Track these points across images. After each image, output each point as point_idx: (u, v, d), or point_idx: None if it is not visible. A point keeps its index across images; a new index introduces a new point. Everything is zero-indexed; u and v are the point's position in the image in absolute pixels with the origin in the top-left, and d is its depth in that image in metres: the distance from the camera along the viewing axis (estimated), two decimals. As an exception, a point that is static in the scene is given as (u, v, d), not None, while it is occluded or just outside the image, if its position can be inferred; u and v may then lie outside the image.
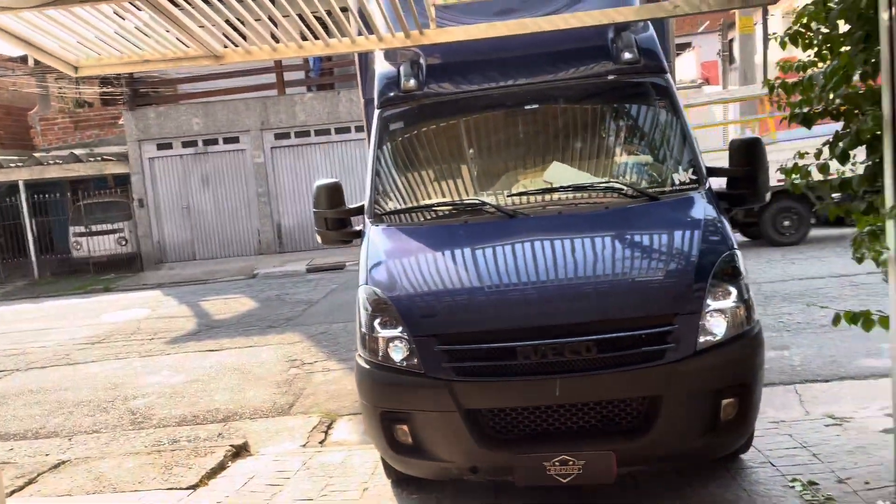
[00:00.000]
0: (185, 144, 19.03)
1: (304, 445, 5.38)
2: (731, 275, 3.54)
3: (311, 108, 18.59)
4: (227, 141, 18.97)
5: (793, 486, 3.80)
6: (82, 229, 18.71)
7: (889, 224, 3.25)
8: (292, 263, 16.91)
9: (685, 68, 24.33)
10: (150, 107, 19.27)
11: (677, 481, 3.99)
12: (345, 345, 8.24)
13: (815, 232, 12.65)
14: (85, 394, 7.29)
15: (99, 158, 19.56)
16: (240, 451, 5.22)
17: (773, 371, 5.88)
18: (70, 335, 10.74)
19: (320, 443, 5.43)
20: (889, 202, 3.22)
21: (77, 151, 19.87)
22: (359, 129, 17.54)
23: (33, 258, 19.21)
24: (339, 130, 18.57)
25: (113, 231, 18.94)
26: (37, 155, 20.27)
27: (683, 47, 26.38)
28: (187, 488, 4.50)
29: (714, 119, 19.52)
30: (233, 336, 9.55)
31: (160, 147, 19.07)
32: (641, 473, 4.04)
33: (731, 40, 23.40)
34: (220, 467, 4.89)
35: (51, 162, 19.35)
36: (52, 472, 5.04)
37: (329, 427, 5.73)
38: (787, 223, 12.12)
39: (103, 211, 19.10)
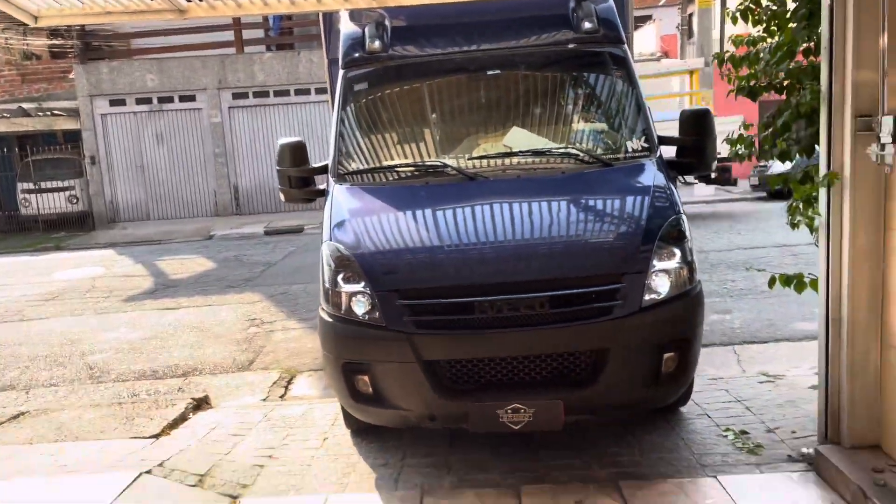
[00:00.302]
0: (139, 101, 18.60)
1: (264, 399, 5.50)
2: (677, 238, 3.76)
3: (271, 67, 18.32)
4: (182, 99, 18.60)
5: (725, 436, 4.10)
6: (31, 186, 18.23)
7: (822, 191, 3.50)
8: (250, 226, 16.81)
9: (645, 41, 24.59)
10: (102, 61, 18.74)
11: (621, 431, 4.25)
12: (304, 305, 8.34)
13: (762, 205, 13.13)
14: (40, 349, 7.26)
15: (48, 113, 18.99)
16: (201, 404, 5.31)
17: (714, 333, 6.22)
18: (22, 292, 10.58)
19: (281, 397, 5.56)
20: (823, 171, 3.46)
21: (25, 105, 19.23)
22: (319, 90, 17.40)
23: (-21, 214, 18.68)
24: (298, 91, 18.37)
25: (63, 189, 18.51)
26: (-18, 108, 19.56)
27: (644, 20, 26.62)
28: (150, 437, 4.59)
29: (672, 91, 19.91)
30: (191, 295, 9.55)
31: (113, 103, 18.60)
32: (588, 422, 4.28)
33: (691, 15, 23.73)
34: (182, 418, 4.99)
35: (-3, 115, 18.73)
36: (11, 422, 5.07)
37: (289, 382, 5.86)
38: None
39: (53, 168, 18.62)
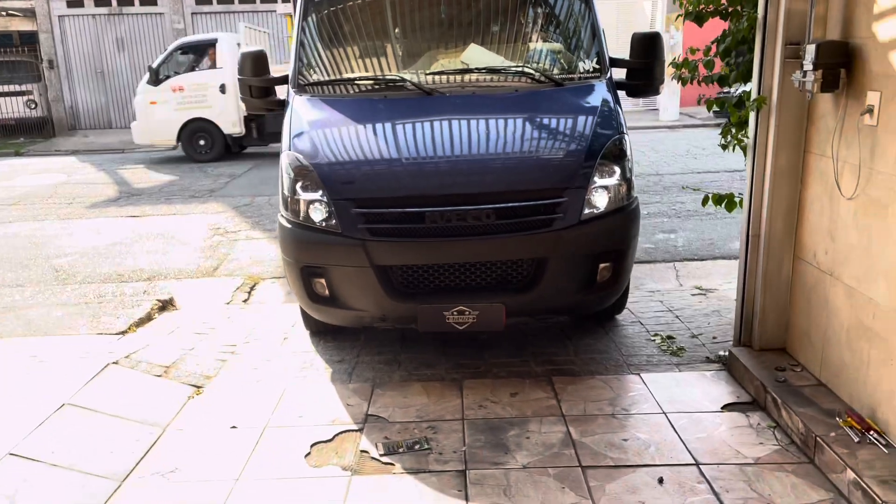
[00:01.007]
0: (98, 3, 17.93)
1: (228, 303, 5.73)
2: (618, 156, 4.00)
3: (236, -28, 17.71)
4: (143, 3, 17.99)
5: (654, 340, 4.48)
6: (-14, 89, 17.68)
7: (751, 114, 3.74)
8: (215, 137, 16.61)
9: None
10: (57, -42, 17.88)
11: (559, 335, 4.61)
12: (268, 216, 8.49)
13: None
14: (4, 251, 7.36)
15: (3, 14, 18.21)
16: (166, 306, 5.55)
17: (658, 251, 6.58)
18: (-18, 197, 10.52)
19: (244, 301, 5.80)
20: (754, 95, 3.70)
21: (-24, 3, 18.40)
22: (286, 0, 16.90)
23: (-68, 117, 18.13)
24: (264, 0, 17.84)
25: (21, 93, 17.99)
26: (-70, 4, 18.65)
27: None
28: (117, 333, 4.83)
29: (645, 16, 19.77)
30: (155, 204, 9.62)
31: (70, 4, 17.91)
32: (528, 325, 4.64)
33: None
34: (148, 318, 5.22)
35: (-53, 13, 17.91)
36: (-20, 319, 5.26)
37: (252, 288, 6.09)
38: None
39: (9, 71, 18.03)
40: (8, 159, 14.97)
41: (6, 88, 17.77)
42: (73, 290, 6.05)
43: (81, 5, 17.87)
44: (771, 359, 3.79)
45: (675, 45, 16.48)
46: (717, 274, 5.89)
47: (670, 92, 16.22)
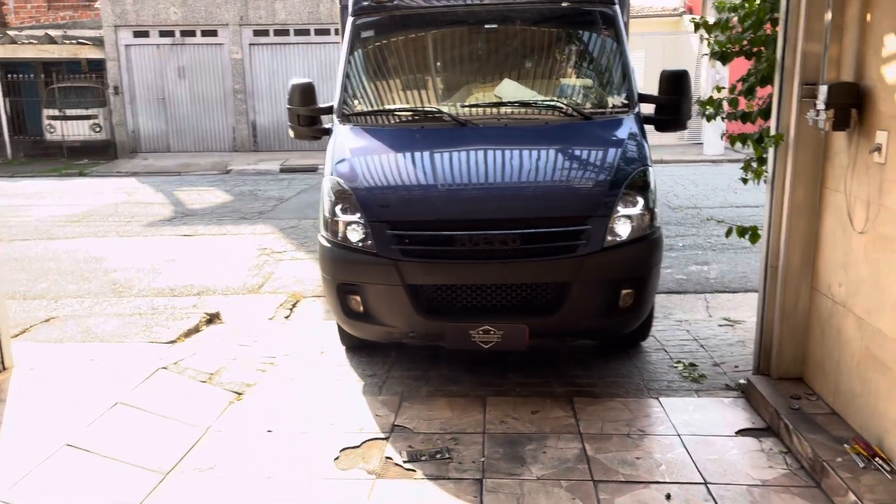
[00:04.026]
0: (163, 34, 18.88)
1: (271, 319, 6.04)
2: (641, 187, 4.18)
3: (293, 6, 18.48)
4: (205, 34, 18.85)
5: (676, 367, 4.59)
6: (56, 112, 18.69)
7: (770, 150, 3.89)
8: (266, 162, 17.26)
9: (670, -5, 24.25)
10: (126, -9, 18.94)
11: (584, 359, 4.76)
12: (313, 238, 8.84)
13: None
14: (67, 265, 7.85)
15: (74, 41, 19.32)
16: (213, 319, 5.88)
17: (690, 282, 6.67)
18: (49, 213, 11.18)
19: (286, 317, 6.11)
20: (772, 131, 3.85)
21: (51, 32, 19.58)
22: (339, 31, 17.55)
23: (6, 138, 19.23)
24: (319, 32, 18.56)
25: (87, 117, 18.96)
26: (10, 33, 19.92)
27: (671, -27, 26.15)
28: (167, 342, 5.17)
29: (692, 51, 19.83)
30: (207, 224, 10.10)
31: (136, 35, 18.89)
32: (551, 346, 4.80)
33: (719, -30, 23.36)
34: (195, 329, 5.56)
35: (25, 41, 19.08)
36: (43, 324, 5.67)
37: (294, 306, 6.40)
38: None
39: (77, 95, 19.04)
40: (72, 179, 15.80)
41: (74, 112, 18.78)
42: (129, 302, 6.44)
43: (147, 35, 18.87)
44: (787, 387, 3.88)
45: (721, 79, 16.51)
46: (746, 306, 5.95)
47: (715, 126, 16.20)
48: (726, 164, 16.03)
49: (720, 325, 5.42)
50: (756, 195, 10.87)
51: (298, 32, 18.67)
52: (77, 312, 6.11)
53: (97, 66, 19.48)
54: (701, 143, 17.72)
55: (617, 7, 5.07)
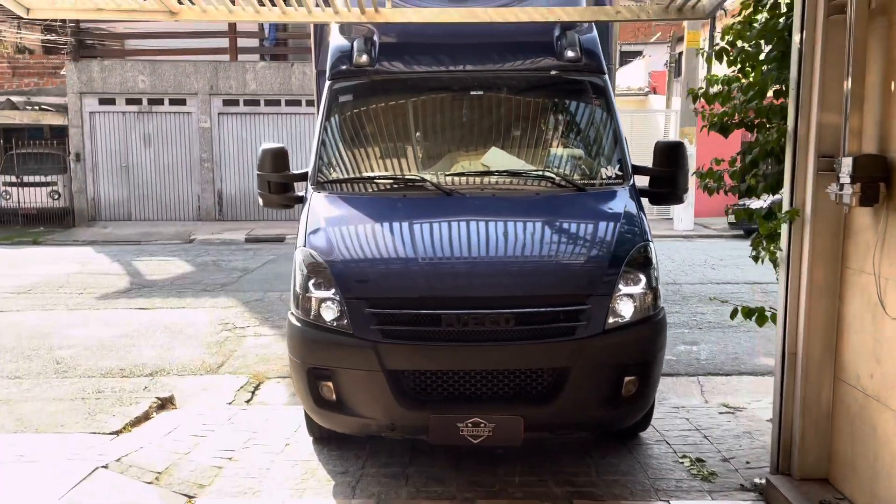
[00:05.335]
0: (130, 102, 18.56)
1: (230, 403, 5.49)
2: (643, 264, 3.85)
3: (263, 77, 18.40)
4: (173, 102, 18.59)
5: (682, 462, 4.16)
6: (13, 179, 18.08)
7: (783, 227, 3.61)
8: (231, 232, 16.77)
9: (635, 76, 24.97)
10: (95, 59, 18.71)
11: (580, 451, 4.30)
12: (279, 312, 8.33)
13: (738, 242, 13.36)
14: (8, 341, 7.19)
15: (37, 108, 18.90)
16: (165, 404, 5.30)
17: (680, 363, 6.31)
18: (-6, 284, 10.47)
19: (247, 402, 5.56)
20: (785, 207, 3.58)
21: (14, 98, 19.14)
22: (310, 102, 17.44)
23: (-42, 203, 18.47)
24: (289, 102, 18.44)
25: (46, 184, 18.37)
26: (-30, 98, 19.43)
27: (634, 55, 27.07)
28: (110, 433, 4.57)
29: (658, 127, 20.25)
30: (165, 297, 9.51)
31: (102, 102, 18.55)
32: (546, 440, 4.33)
33: (680, 53, 24.19)
34: (145, 417, 4.97)
35: (-15, 107, 18.60)
36: (-29, 411, 5.03)
37: (257, 388, 5.86)
38: None
39: (37, 162, 18.48)
40: (25, 248, 15.08)
41: (32, 179, 18.18)
42: (72, 384, 5.83)
43: (113, 103, 18.52)
44: (813, 490, 3.47)
45: (689, 155, 16.71)
46: (743, 391, 5.61)
47: (686, 204, 16.29)
48: (697, 239, 16.07)
49: (721, 413, 5.03)
50: (735, 272, 10.75)
51: (269, 103, 18.53)
52: (12, 396, 5.47)
53: (60, 133, 19.01)
54: (671, 219, 17.79)
55: (607, 77, 4.87)
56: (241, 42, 18.92)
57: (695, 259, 12.14)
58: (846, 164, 3.08)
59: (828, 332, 3.48)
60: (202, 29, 18.03)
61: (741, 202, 17.52)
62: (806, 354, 3.52)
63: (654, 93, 24.98)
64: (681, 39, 22.60)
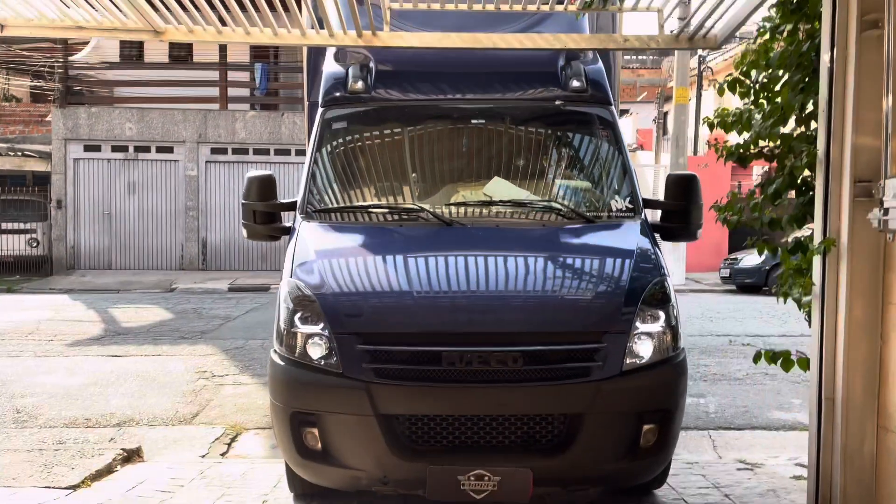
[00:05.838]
0: (115, 149, 18.29)
1: (203, 456, 5.04)
2: (661, 300, 3.53)
3: (253, 126, 18.26)
4: (160, 150, 18.35)
5: (705, 523, 3.76)
6: (-9, 226, 17.64)
7: (815, 261, 3.31)
8: (214, 281, 16.32)
9: (623, 133, 25.21)
10: (81, 106, 18.51)
11: (590, 510, 3.89)
12: (260, 360, 7.86)
13: (732, 297, 13.13)
14: (-33, 388, 6.69)
15: (19, 154, 18.61)
16: (131, 457, 4.83)
17: (689, 417, 5.88)
18: (-40, 330, 9.94)
19: (222, 454, 5.11)
20: (818, 238, 3.29)
21: (-3, 145, 18.87)
22: (300, 152, 17.28)
23: (-69, 250, 17.91)
24: (279, 151, 18.26)
25: (24, 231, 17.92)
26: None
27: (622, 113, 27.37)
28: (67, 488, 4.10)
29: (647, 182, 20.30)
30: (141, 344, 9.03)
31: (88, 149, 18.27)
32: (555, 497, 3.91)
33: (666, 113, 24.51)
34: (108, 470, 4.51)
35: (-33, 152, 18.28)
36: (-87, 462, 4.53)
37: (233, 439, 5.41)
38: None
39: (17, 209, 18.07)
40: (-1, 295, 14.54)
41: (11, 226, 17.74)
42: (31, 435, 5.34)
43: (98, 150, 18.24)
44: (860, 554, 3.08)
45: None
46: (759, 446, 5.24)
47: (676, 257, 16.13)
48: (690, 293, 15.80)
49: (738, 470, 4.64)
50: (734, 325, 10.45)
51: (258, 151, 18.34)
52: (-37, 446, 4.98)
53: (43, 180, 18.66)
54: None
55: (613, 109, 4.65)
56: (232, 91, 18.84)
57: (692, 312, 11.83)
58: (891, 186, 2.81)
59: (869, 375, 3.15)
60: (193, 78, 18.00)
61: (731, 257, 17.35)
62: (845, 400, 3.18)
63: (642, 149, 25.25)
64: (668, 99, 22.94)
